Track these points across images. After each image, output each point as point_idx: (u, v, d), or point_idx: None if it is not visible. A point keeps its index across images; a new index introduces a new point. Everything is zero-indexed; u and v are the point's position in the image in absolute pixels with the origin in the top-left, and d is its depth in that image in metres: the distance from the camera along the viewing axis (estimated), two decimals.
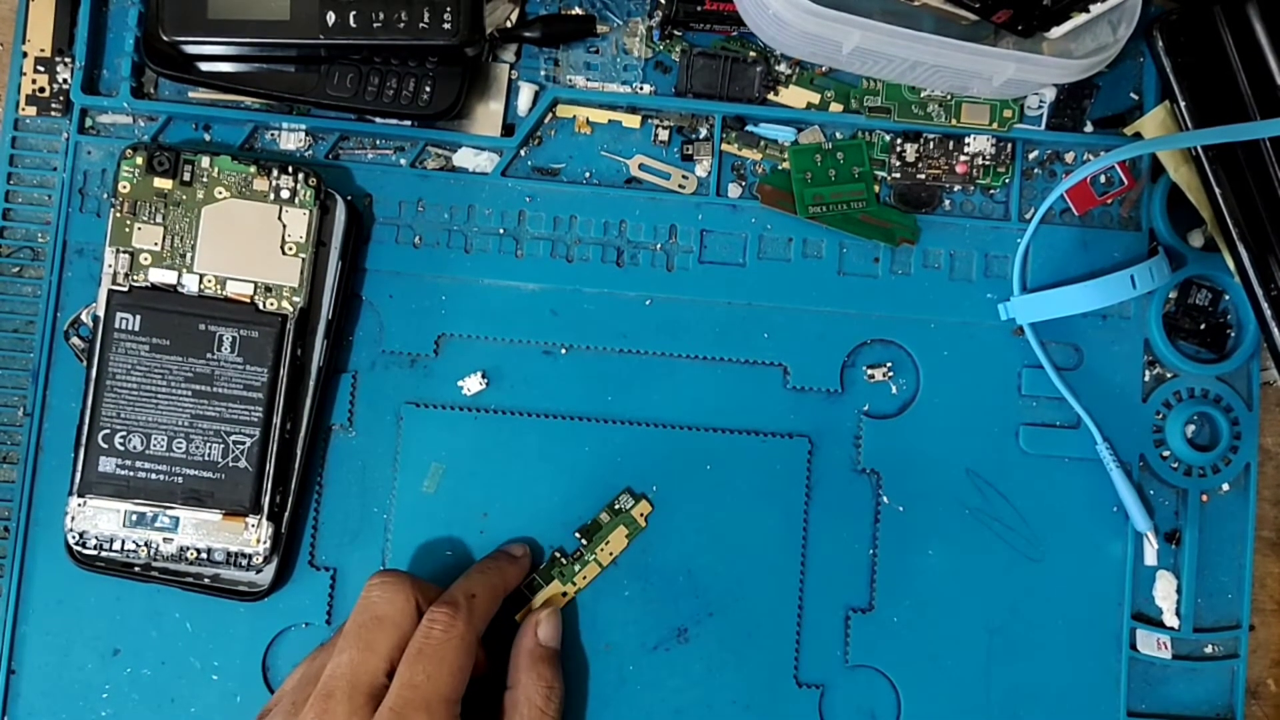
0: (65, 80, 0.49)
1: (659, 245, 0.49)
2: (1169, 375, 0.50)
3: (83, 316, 0.48)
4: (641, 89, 0.50)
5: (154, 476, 0.44)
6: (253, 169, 0.45)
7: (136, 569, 0.45)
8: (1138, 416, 0.50)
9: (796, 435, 0.49)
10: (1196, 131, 0.48)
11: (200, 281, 0.45)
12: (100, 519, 0.44)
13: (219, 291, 0.45)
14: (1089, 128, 0.51)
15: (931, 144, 0.50)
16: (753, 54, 0.50)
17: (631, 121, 0.50)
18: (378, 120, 0.49)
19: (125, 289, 0.44)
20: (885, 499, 0.49)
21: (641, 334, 0.49)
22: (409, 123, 0.48)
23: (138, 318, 0.45)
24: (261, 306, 0.45)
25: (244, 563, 0.45)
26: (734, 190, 0.50)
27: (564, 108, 0.50)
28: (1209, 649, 0.49)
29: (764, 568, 0.48)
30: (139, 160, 0.45)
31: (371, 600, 0.43)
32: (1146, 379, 0.50)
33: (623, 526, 0.48)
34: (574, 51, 0.50)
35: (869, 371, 0.50)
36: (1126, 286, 0.47)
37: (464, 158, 0.50)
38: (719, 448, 0.49)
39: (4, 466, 0.48)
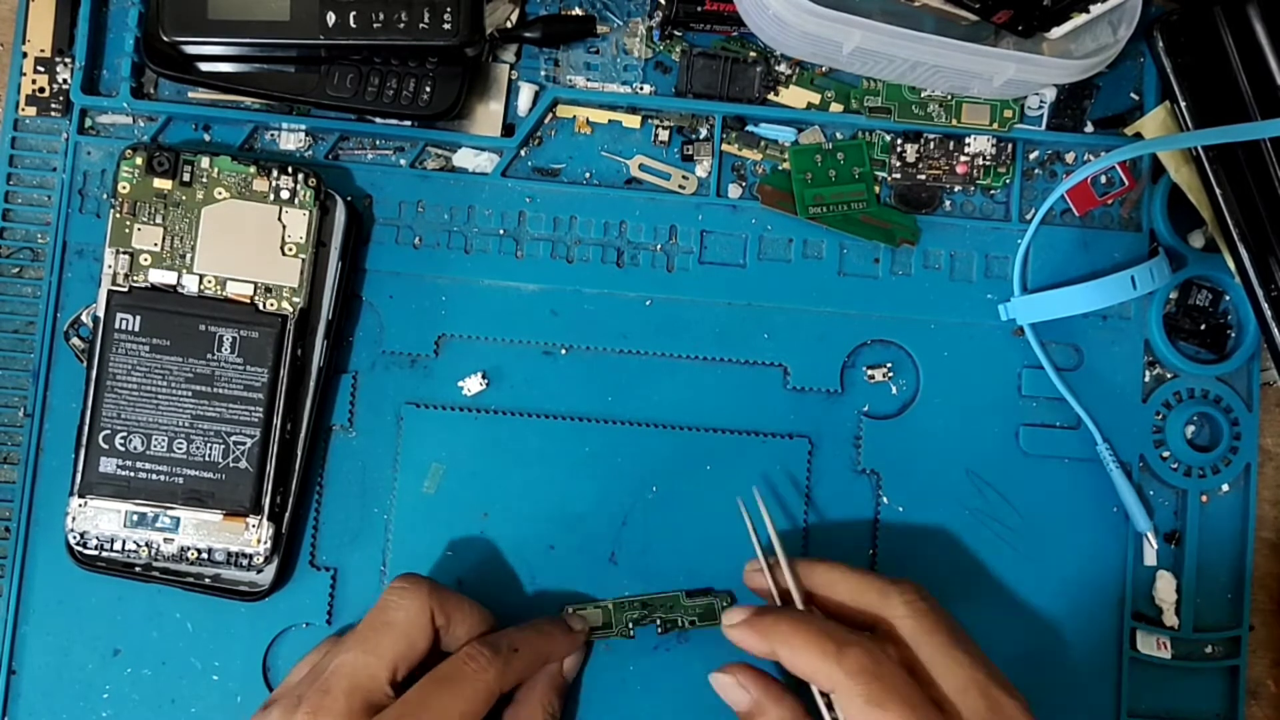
0: (65, 80, 0.49)
1: (659, 246, 0.49)
2: (1169, 376, 0.50)
3: (83, 317, 0.48)
4: (641, 89, 0.50)
5: (154, 477, 0.44)
6: (252, 169, 0.45)
7: (137, 569, 0.45)
8: (1138, 417, 0.50)
9: (796, 435, 0.49)
10: (1197, 132, 0.48)
11: (200, 282, 0.45)
12: (101, 519, 0.44)
13: (219, 292, 0.45)
14: (1089, 128, 0.51)
15: (932, 144, 0.50)
16: (753, 54, 0.50)
17: (631, 122, 0.50)
18: (377, 120, 0.49)
19: (125, 289, 0.44)
20: (885, 499, 0.49)
21: (642, 334, 0.49)
22: (409, 123, 0.48)
23: (138, 318, 0.45)
24: (262, 307, 0.45)
25: (244, 563, 0.45)
26: (734, 191, 0.50)
27: (564, 108, 0.50)
28: (1209, 649, 0.49)
29: None
30: (139, 161, 0.45)
31: (388, 603, 0.43)
32: (1146, 379, 0.50)
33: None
34: (574, 52, 0.50)
35: (869, 372, 0.50)
36: (1127, 287, 0.47)
37: (464, 158, 0.50)
38: (719, 448, 0.49)
39: (4, 467, 0.48)
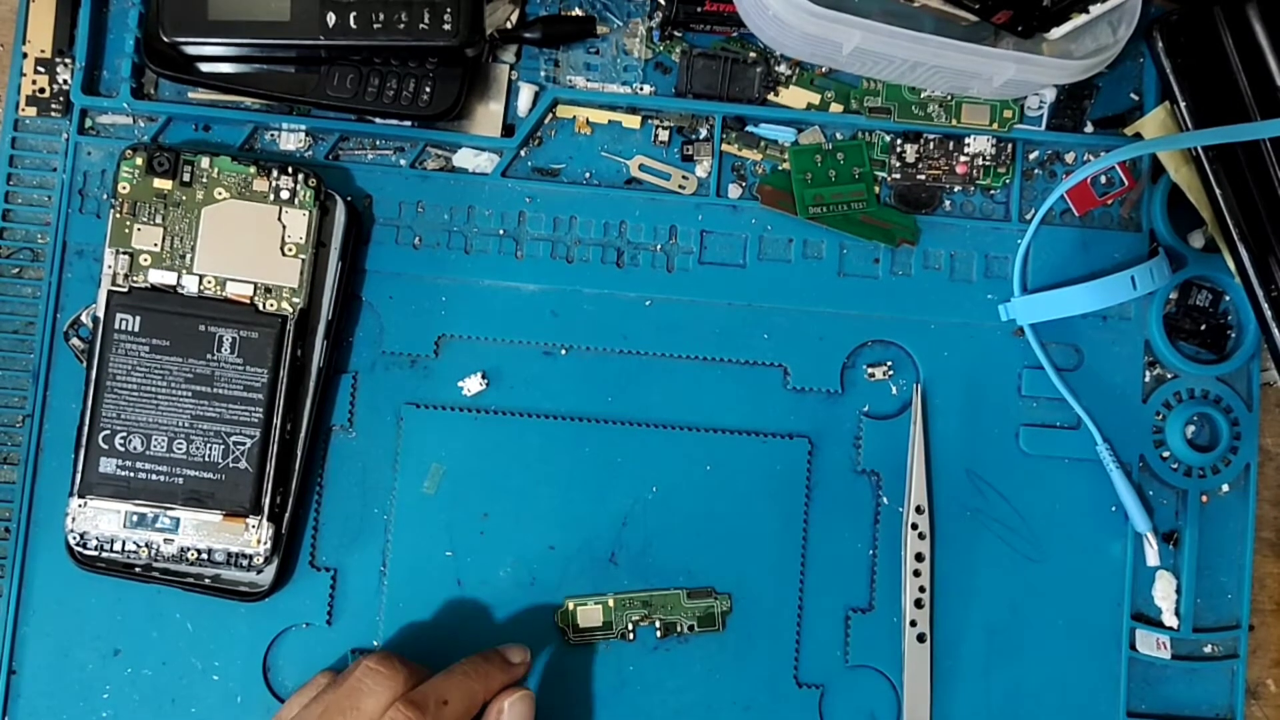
0: (65, 81, 0.49)
1: (659, 246, 0.49)
2: (1169, 376, 0.50)
3: (83, 317, 0.48)
4: (641, 89, 0.50)
5: (154, 477, 0.44)
6: (252, 170, 0.45)
7: (137, 569, 0.45)
8: (1138, 417, 0.50)
9: (796, 436, 0.49)
10: (1196, 132, 0.48)
11: (200, 282, 0.45)
12: (101, 520, 0.44)
13: (219, 292, 0.45)
14: (1089, 128, 0.51)
15: (932, 144, 0.50)
16: (753, 55, 0.50)
17: (631, 122, 0.50)
18: (377, 121, 0.49)
19: (125, 290, 0.44)
20: (885, 499, 0.49)
21: (641, 335, 0.49)
22: (409, 123, 0.48)
23: (137, 318, 0.45)
24: (261, 307, 0.45)
25: (244, 563, 0.45)
26: (734, 191, 0.50)
27: (564, 108, 0.50)
28: (1209, 649, 0.50)
29: (764, 568, 0.48)
30: (139, 161, 0.45)
31: (360, 687, 0.41)
32: (1147, 380, 0.50)
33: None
34: (574, 52, 0.50)
35: (869, 371, 0.50)
36: (1127, 287, 0.47)
37: (464, 158, 0.50)
38: (719, 448, 0.49)
39: (4, 467, 0.48)
